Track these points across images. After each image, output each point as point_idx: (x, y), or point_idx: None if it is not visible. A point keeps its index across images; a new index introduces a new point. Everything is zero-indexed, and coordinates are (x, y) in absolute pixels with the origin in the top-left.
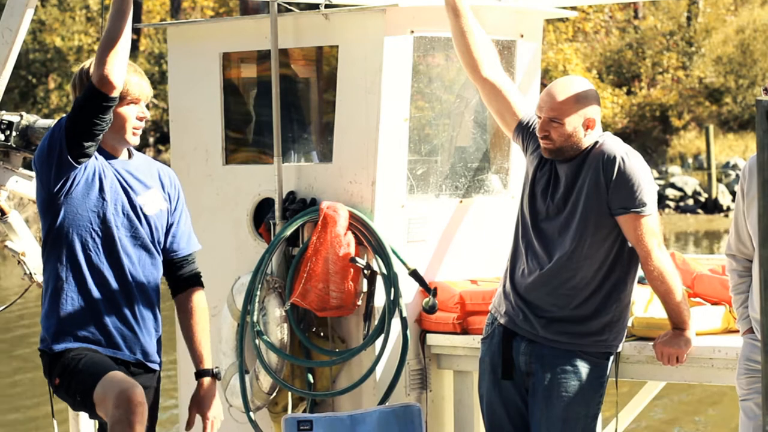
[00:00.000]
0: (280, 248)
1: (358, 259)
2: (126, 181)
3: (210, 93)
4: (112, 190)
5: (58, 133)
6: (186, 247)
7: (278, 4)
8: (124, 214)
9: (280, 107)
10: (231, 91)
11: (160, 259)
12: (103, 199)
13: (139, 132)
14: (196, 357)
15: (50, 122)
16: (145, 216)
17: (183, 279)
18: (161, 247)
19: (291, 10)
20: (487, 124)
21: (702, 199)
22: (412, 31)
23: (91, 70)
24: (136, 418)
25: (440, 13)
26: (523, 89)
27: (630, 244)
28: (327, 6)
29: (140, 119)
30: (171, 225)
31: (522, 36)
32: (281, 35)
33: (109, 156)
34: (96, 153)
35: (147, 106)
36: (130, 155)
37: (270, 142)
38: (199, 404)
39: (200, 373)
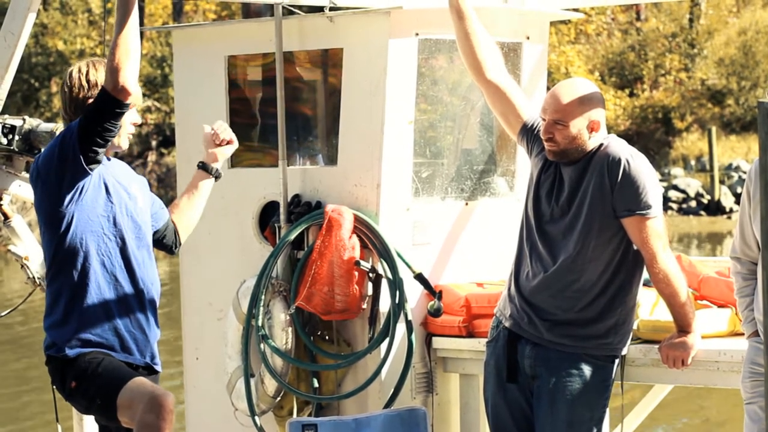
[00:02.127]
0: (285, 252)
1: (362, 262)
2: (121, 182)
3: (215, 96)
4: (115, 192)
5: (69, 140)
6: (164, 215)
7: (283, 7)
8: (128, 215)
9: (285, 110)
10: (236, 94)
11: (154, 257)
12: (111, 202)
13: (130, 137)
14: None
15: (53, 126)
16: (143, 213)
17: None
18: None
19: (295, 13)
20: (493, 127)
21: (704, 201)
22: (417, 34)
23: (100, 78)
24: (167, 425)
25: (444, 16)
26: (528, 91)
27: (635, 247)
28: (331, 9)
29: (134, 125)
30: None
31: (528, 38)
32: (286, 38)
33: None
34: None
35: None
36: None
37: (275, 145)
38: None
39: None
